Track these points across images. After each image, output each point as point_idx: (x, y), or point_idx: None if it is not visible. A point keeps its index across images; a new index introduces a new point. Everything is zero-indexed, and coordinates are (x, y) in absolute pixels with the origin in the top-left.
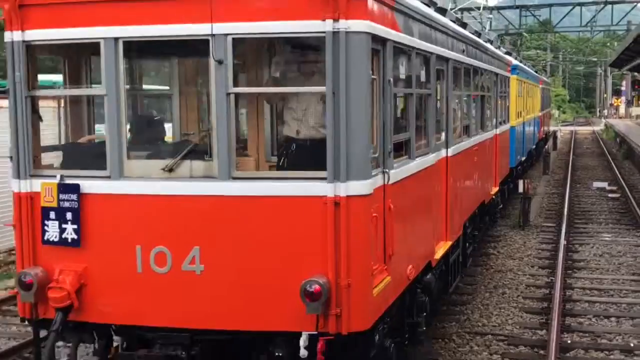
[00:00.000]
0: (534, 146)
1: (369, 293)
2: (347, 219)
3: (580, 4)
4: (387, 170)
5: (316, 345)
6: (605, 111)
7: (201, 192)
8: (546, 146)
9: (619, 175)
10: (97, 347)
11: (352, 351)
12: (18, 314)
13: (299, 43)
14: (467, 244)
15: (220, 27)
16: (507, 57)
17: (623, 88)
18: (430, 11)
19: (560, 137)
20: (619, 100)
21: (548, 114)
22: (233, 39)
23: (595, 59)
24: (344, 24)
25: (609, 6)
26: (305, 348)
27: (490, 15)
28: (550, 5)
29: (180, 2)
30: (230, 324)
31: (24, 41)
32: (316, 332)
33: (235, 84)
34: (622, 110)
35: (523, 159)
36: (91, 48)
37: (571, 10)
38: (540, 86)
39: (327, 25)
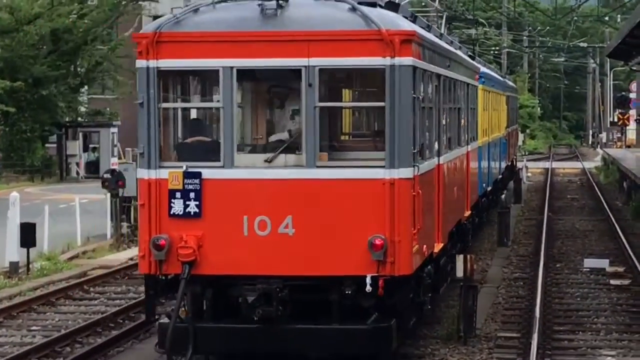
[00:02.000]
0: (500, 175)
1: (411, 249)
2: (398, 195)
3: None
4: (417, 164)
5: (377, 283)
6: (603, 135)
7: (294, 177)
8: (502, 196)
9: (627, 246)
10: (208, 296)
11: (401, 289)
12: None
13: (364, 73)
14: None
15: (312, 61)
16: (476, 63)
17: (633, 95)
18: (433, 37)
19: (526, 179)
20: (626, 115)
21: (516, 133)
22: (319, 69)
23: (583, 44)
24: (398, 60)
25: None
26: (370, 285)
27: None
28: None
29: (282, 44)
30: (313, 271)
31: (157, 67)
32: (377, 274)
33: (320, 100)
34: (631, 133)
35: (489, 189)
36: (201, 73)
37: None
38: (506, 94)
39: (386, 61)
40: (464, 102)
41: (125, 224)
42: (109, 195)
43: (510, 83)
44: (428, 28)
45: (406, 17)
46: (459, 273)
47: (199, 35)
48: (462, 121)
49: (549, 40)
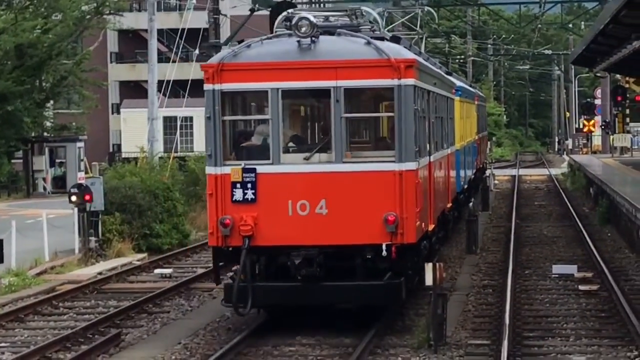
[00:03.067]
0: (473, 176)
1: (415, 224)
2: (405, 182)
3: None
4: (417, 160)
5: (390, 250)
6: (569, 142)
7: (326, 170)
8: (470, 204)
9: (595, 252)
10: (262, 262)
11: (408, 254)
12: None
13: (376, 91)
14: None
15: (337, 84)
16: (452, 79)
17: (597, 101)
18: (425, 62)
19: (494, 186)
20: (592, 122)
21: (485, 139)
22: (344, 88)
23: (548, 52)
24: (404, 81)
25: None
26: (385, 251)
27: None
28: None
29: (315, 70)
30: (342, 241)
31: (220, 89)
32: (391, 242)
33: (345, 112)
34: (597, 139)
35: (465, 187)
36: (254, 93)
37: None
38: (476, 103)
39: (395, 82)
40: (445, 112)
41: (93, 239)
42: (76, 210)
43: (480, 92)
44: (409, 47)
45: (406, 47)
46: (429, 281)
47: (252, 65)
48: (445, 128)
49: (514, 48)
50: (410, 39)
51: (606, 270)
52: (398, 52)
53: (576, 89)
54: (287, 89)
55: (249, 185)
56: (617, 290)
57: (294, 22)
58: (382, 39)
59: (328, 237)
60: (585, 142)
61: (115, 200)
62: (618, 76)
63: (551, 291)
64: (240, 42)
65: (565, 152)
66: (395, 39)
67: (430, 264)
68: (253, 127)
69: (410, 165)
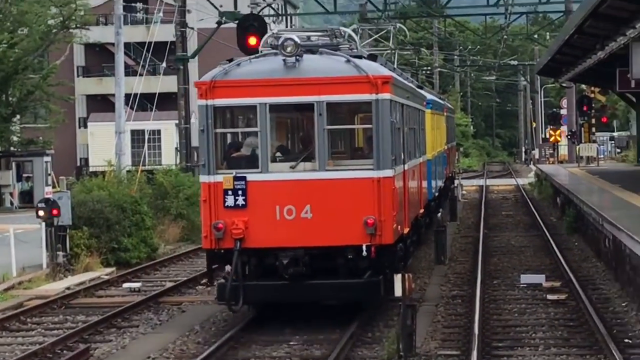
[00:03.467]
0: (443, 184)
1: (392, 226)
2: (383, 188)
3: None
4: (394, 168)
5: (370, 250)
6: (536, 152)
7: (311, 177)
8: (439, 214)
9: (562, 261)
10: (252, 263)
11: (386, 254)
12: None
13: (355, 105)
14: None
15: (320, 99)
16: (423, 92)
17: (563, 111)
18: (399, 77)
19: (462, 196)
20: (558, 131)
21: (454, 149)
22: (327, 103)
23: (514, 62)
24: (381, 96)
25: None
26: (365, 251)
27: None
28: None
29: (300, 86)
30: (325, 242)
31: (213, 105)
32: (370, 243)
33: (328, 124)
34: (563, 149)
35: (436, 194)
36: (243, 108)
37: None
38: (445, 114)
39: (373, 97)
40: (418, 124)
41: (61, 253)
42: (43, 224)
43: (448, 104)
44: (385, 64)
45: (382, 64)
46: (398, 292)
47: (242, 82)
48: (417, 138)
49: (480, 59)
50: (382, 54)
51: (574, 280)
52: (375, 69)
53: (542, 99)
54: (274, 104)
55: (240, 192)
56: (585, 299)
57: (280, 42)
58: (360, 57)
59: (313, 239)
60: (551, 151)
61: (83, 214)
62: (583, 86)
63: (520, 301)
64: (230, 60)
65: (532, 162)
66: (372, 57)
67: (399, 275)
68: (243, 138)
69: (388, 173)
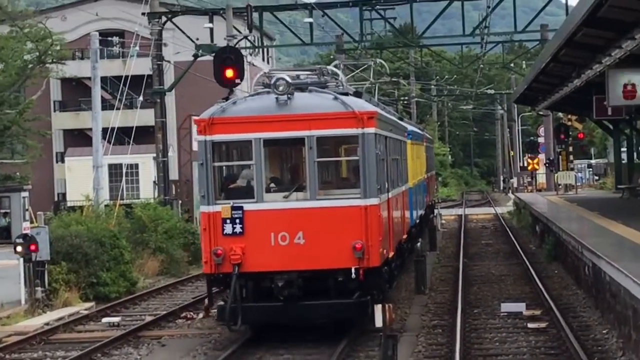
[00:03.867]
0: (423, 211)
1: (378, 250)
2: (370, 215)
3: None
4: (379, 196)
5: (359, 272)
6: (514, 180)
7: (302, 206)
8: (418, 244)
9: (542, 289)
10: (249, 286)
11: (373, 276)
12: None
13: (343, 138)
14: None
15: (310, 134)
16: (404, 124)
17: (541, 139)
18: (383, 112)
19: (441, 226)
20: (536, 160)
21: (434, 177)
22: (317, 137)
23: (491, 91)
24: (366, 130)
25: (508, 1)
26: (354, 273)
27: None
28: (410, 0)
29: (291, 122)
30: (317, 266)
31: (211, 140)
32: (358, 266)
33: (318, 157)
34: (541, 177)
35: (417, 221)
36: (239, 143)
37: (445, 8)
38: (425, 144)
39: (359, 131)
40: (400, 154)
41: (39, 289)
42: (22, 260)
43: (427, 134)
44: (369, 100)
45: (367, 101)
46: (378, 323)
47: (238, 119)
48: (399, 168)
49: (457, 88)
50: (362, 87)
51: (554, 307)
52: (361, 105)
53: (519, 128)
54: (268, 139)
55: (237, 221)
56: (565, 327)
57: (272, 81)
58: (346, 94)
59: (305, 263)
60: (530, 180)
61: (61, 249)
62: (560, 114)
63: (500, 330)
64: (226, 99)
65: (510, 191)
66: (358, 94)
67: (380, 305)
68: (239, 170)
69: (374, 201)
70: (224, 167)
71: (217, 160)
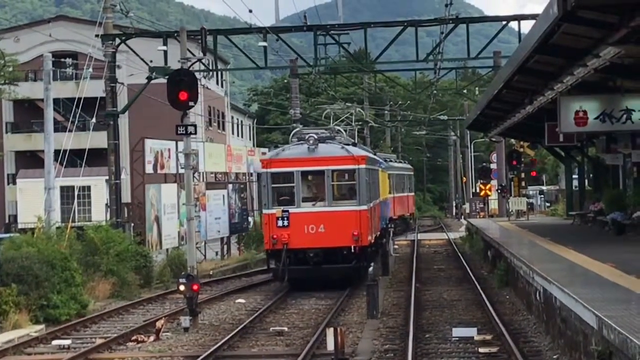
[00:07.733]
0: (388, 221)
1: (367, 236)
2: (362, 216)
3: (414, 24)
4: (367, 205)
5: (356, 249)
6: (466, 206)
7: (323, 210)
8: (370, 269)
9: (494, 314)
10: (292, 257)
11: (364, 251)
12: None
13: (346, 171)
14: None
15: (328, 168)
16: (378, 157)
17: (493, 165)
18: (369, 154)
19: (394, 251)
20: (488, 186)
21: (396, 197)
22: (332, 170)
23: (444, 117)
24: (360, 166)
25: (462, 27)
26: (353, 249)
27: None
28: (364, 25)
29: (317, 161)
30: (332, 244)
31: (270, 172)
32: (355, 245)
33: (332, 181)
34: (494, 203)
35: (385, 225)
36: (286, 173)
37: (399, 34)
38: (388, 172)
39: (356, 167)
40: (377, 179)
41: None
42: None
43: (407, 164)
44: (363, 147)
45: (361, 148)
46: (330, 346)
47: (285, 159)
48: (376, 188)
49: (410, 113)
50: (345, 130)
51: (505, 332)
52: (357, 151)
53: (472, 154)
54: (303, 171)
55: (285, 219)
56: (516, 352)
57: (305, 137)
58: (348, 144)
59: (325, 243)
60: (482, 206)
61: (11, 271)
62: (513, 140)
63: (452, 354)
64: (276, 146)
65: (462, 216)
66: (354, 144)
67: (332, 329)
68: (286, 189)
69: (364, 207)
70: (277, 187)
71: (274, 183)
